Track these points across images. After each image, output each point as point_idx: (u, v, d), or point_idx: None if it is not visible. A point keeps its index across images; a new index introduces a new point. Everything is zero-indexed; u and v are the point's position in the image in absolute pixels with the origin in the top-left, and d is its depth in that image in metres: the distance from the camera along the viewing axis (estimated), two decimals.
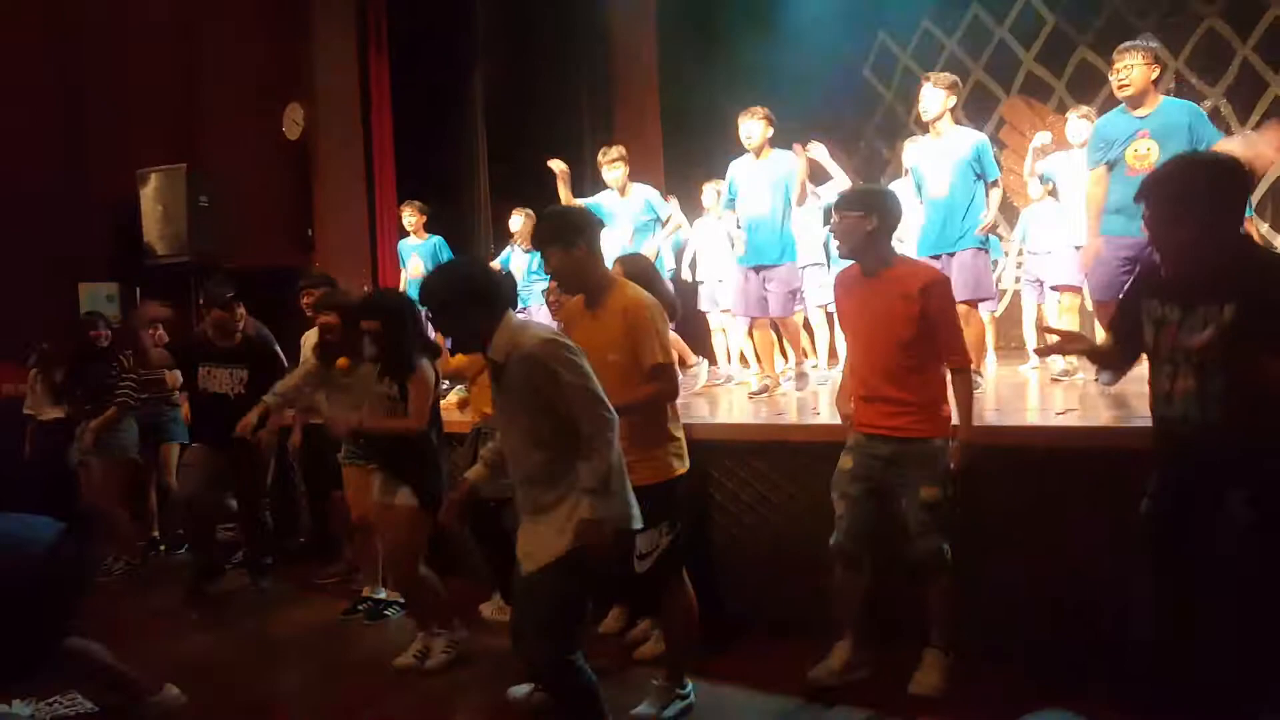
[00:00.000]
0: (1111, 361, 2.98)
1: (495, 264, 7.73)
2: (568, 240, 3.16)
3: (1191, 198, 2.53)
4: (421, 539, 4.02)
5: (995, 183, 5.05)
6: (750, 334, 6.71)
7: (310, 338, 5.22)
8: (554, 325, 4.02)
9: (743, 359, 7.37)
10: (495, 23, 9.23)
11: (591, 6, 9.73)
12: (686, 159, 9.08)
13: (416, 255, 7.63)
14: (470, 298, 2.71)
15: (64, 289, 7.60)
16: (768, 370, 5.90)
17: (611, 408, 2.68)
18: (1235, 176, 2.61)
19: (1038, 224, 6.60)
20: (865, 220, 3.32)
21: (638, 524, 2.80)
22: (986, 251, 5.13)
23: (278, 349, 5.64)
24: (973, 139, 5.08)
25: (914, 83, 8.99)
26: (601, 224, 3.38)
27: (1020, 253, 7.27)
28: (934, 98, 5.05)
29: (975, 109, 9.47)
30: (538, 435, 2.71)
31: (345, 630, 4.74)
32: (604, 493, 2.65)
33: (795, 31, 9.38)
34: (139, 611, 5.30)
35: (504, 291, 2.79)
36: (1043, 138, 6.25)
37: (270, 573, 5.54)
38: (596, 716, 2.80)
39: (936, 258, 4.94)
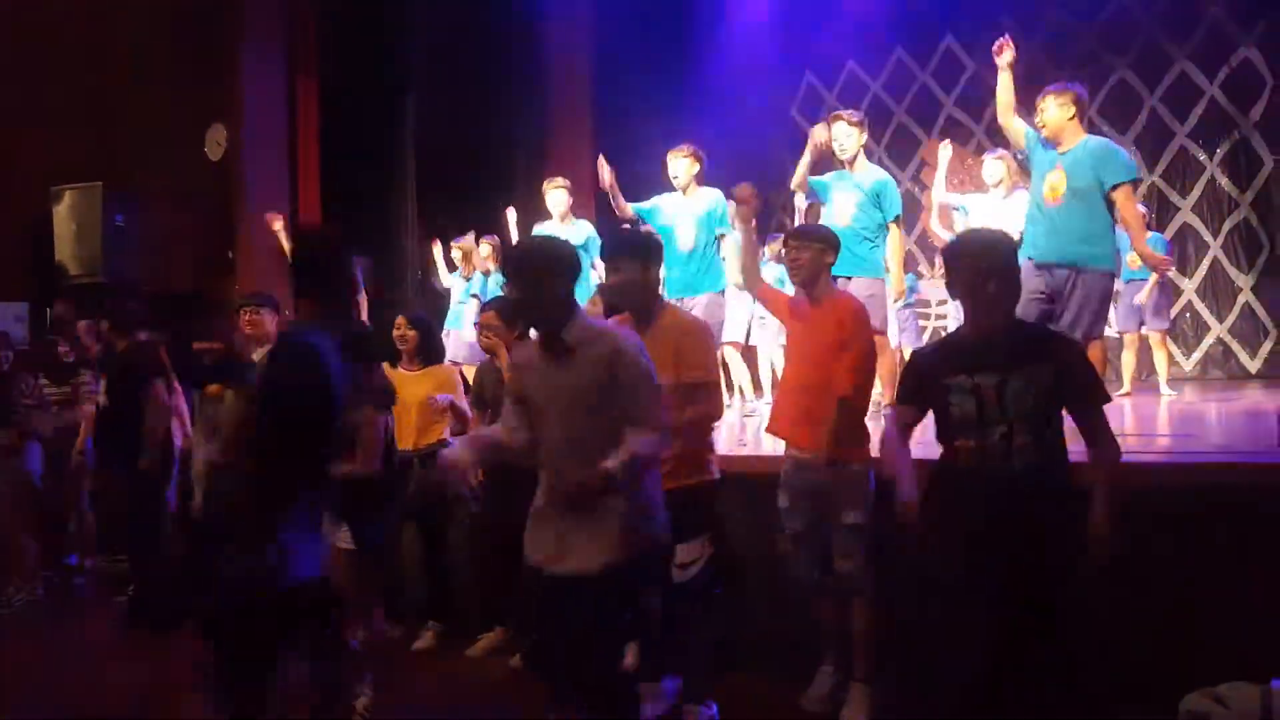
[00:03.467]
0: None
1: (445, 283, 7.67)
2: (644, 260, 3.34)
3: (1005, 270, 2.82)
4: (361, 584, 3.80)
5: (896, 220, 5.24)
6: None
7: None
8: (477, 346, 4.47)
9: None
10: (429, 49, 9.20)
11: (527, 38, 9.78)
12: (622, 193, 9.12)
13: None
14: (559, 273, 2.69)
15: None
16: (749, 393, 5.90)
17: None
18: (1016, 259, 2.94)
19: None
20: (826, 254, 3.58)
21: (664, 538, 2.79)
22: (882, 281, 5.26)
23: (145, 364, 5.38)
24: (877, 176, 5.27)
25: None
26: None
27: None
28: (850, 134, 5.22)
29: (897, 150, 9.74)
30: (592, 429, 2.63)
31: None
32: (630, 470, 2.57)
33: (727, 72, 9.57)
34: (47, 644, 5.09)
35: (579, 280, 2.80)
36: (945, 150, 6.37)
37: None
38: None
39: (835, 280, 5.03)
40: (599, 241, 6.46)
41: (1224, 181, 8.52)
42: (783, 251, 3.81)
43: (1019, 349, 2.81)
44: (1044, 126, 4.46)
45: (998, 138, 8.77)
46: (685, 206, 5.65)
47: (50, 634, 5.34)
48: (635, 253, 3.33)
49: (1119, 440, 2.88)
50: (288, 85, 8.46)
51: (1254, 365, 8.38)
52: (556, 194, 6.38)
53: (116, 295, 5.86)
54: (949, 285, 2.96)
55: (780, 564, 3.64)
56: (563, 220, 6.39)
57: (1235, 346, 8.48)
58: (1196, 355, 8.66)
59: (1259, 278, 8.40)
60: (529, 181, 7.42)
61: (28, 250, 7.54)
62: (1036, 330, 2.96)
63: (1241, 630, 3.10)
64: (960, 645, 2.82)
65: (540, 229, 6.50)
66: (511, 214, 6.94)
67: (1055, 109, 4.43)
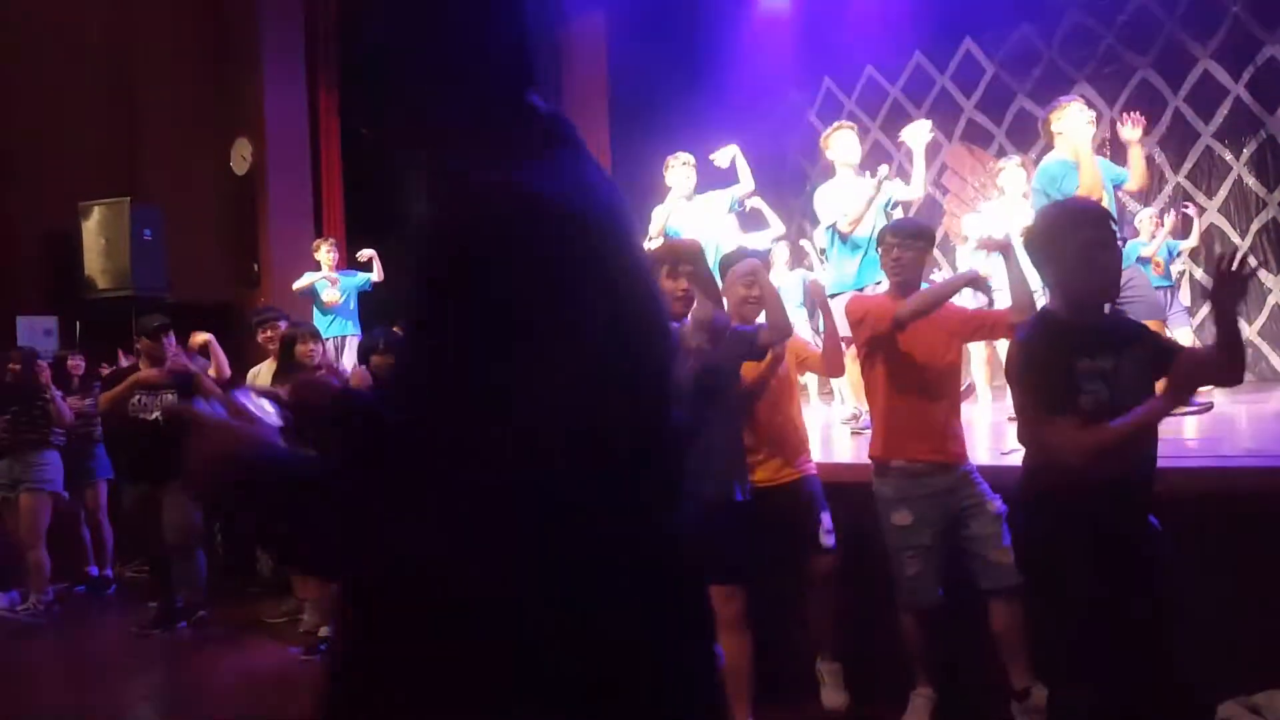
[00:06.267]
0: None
1: None
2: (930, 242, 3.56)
3: (1113, 240, 2.57)
4: None
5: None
6: None
7: (262, 372, 5.17)
8: None
9: None
10: None
11: (543, 44, 9.80)
12: (638, 195, 9.13)
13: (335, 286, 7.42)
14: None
15: (1, 322, 7.41)
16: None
17: None
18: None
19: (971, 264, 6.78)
20: (927, 253, 3.51)
21: None
22: None
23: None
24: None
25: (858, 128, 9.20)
26: None
27: None
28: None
29: None
30: None
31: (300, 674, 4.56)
32: None
33: (744, 76, 9.57)
34: (64, 655, 5.14)
35: None
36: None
37: (206, 621, 5.33)
38: None
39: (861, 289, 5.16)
40: None
41: (1251, 181, 8.42)
42: (880, 250, 3.60)
43: (1119, 329, 2.58)
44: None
45: (1018, 140, 8.76)
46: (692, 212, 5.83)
47: (73, 641, 5.41)
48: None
49: None
50: (309, 99, 8.55)
51: None
52: None
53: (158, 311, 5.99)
54: (1039, 263, 2.61)
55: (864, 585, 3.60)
56: None
57: (1265, 348, 8.37)
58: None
59: None
60: None
61: (56, 264, 7.64)
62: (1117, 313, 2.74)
63: (1278, 637, 3.05)
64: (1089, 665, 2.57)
65: None
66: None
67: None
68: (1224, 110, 8.43)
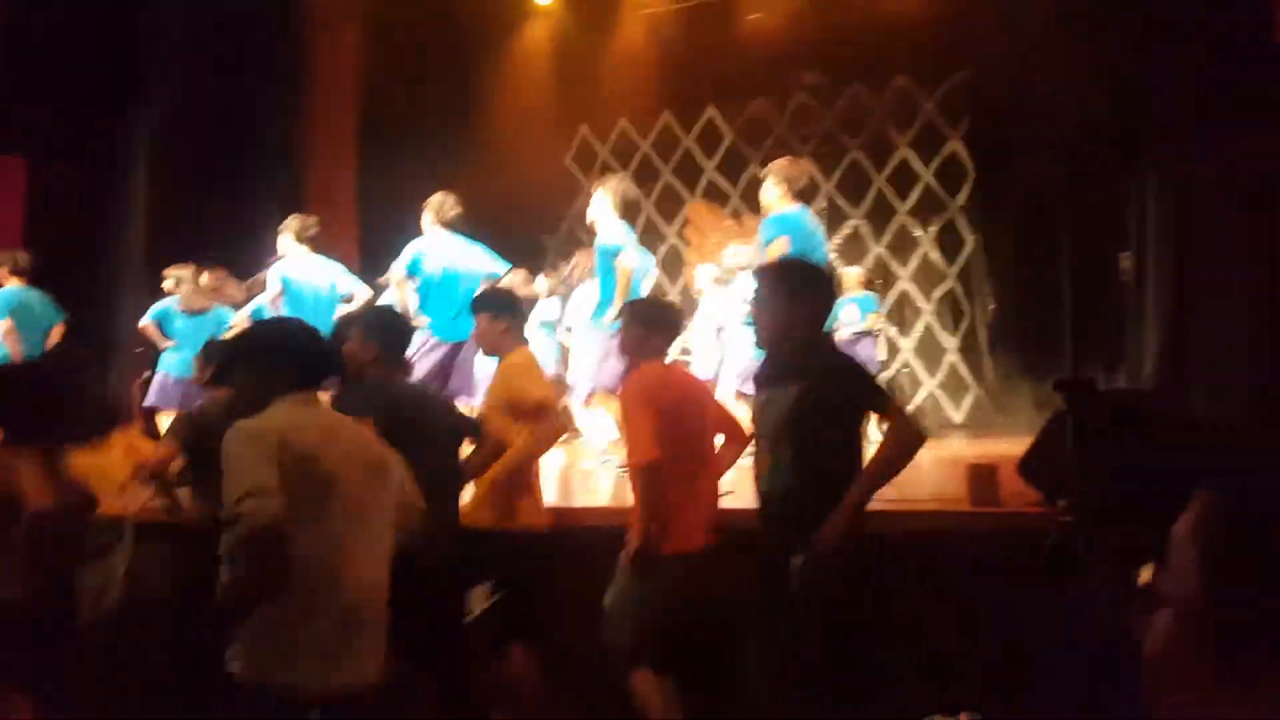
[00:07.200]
0: None
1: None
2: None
3: (764, 294, 2.98)
4: None
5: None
6: None
7: None
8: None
9: None
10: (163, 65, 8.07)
11: (288, 64, 8.68)
12: (387, 227, 8.72)
13: None
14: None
15: None
16: None
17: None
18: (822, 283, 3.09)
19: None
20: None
21: None
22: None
23: None
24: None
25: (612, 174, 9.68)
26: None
27: None
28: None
29: (664, 207, 10.39)
30: None
31: None
32: None
33: (506, 112, 9.85)
34: None
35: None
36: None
37: None
38: None
39: None
40: (350, 278, 6.43)
41: (935, 255, 9.73)
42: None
43: (779, 367, 2.86)
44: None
45: (751, 201, 9.52)
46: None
47: None
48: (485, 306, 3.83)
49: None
50: None
51: (958, 416, 9.58)
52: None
53: None
54: None
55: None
56: None
57: (944, 400, 9.66)
58: (910, 408, 9.78)
59: (962, 340, 9.63)
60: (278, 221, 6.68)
61: None
62: (806, 348, 2.86)
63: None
64: None
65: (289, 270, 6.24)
66: None
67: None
68: (916, 194, 9.73)
